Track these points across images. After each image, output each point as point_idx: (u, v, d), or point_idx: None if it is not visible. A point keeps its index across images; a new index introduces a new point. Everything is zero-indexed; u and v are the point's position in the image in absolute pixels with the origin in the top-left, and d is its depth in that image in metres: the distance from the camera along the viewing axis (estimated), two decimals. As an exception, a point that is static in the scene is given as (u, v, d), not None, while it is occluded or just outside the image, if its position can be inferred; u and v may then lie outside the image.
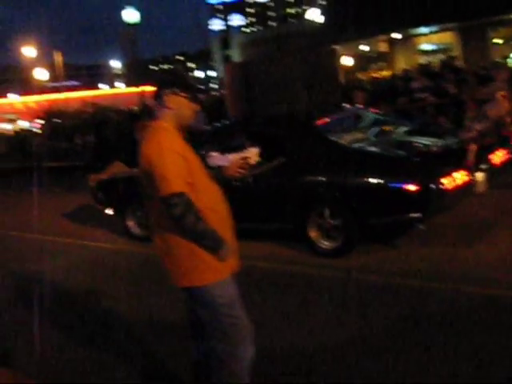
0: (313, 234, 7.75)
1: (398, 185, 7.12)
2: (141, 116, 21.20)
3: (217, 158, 8.18)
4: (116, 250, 9.58)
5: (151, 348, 5.47)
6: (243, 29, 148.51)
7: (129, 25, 26.45)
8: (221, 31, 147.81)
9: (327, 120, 8.48)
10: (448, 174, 7.07)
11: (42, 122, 42.98)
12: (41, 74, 45.70)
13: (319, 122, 8.37)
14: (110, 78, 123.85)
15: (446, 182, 6.98)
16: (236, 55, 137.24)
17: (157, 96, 3.79)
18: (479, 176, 7.61)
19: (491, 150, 8.04)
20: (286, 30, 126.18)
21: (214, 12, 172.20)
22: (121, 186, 10.00)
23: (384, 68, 38.17)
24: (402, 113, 15.60)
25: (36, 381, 4.99)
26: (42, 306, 6.69)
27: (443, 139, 8.18)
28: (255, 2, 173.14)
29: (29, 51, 47.69)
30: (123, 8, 26.71)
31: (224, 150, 8.44)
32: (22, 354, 5.56)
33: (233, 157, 3.96)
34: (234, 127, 9.39)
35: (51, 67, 56.85)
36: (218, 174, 3.96)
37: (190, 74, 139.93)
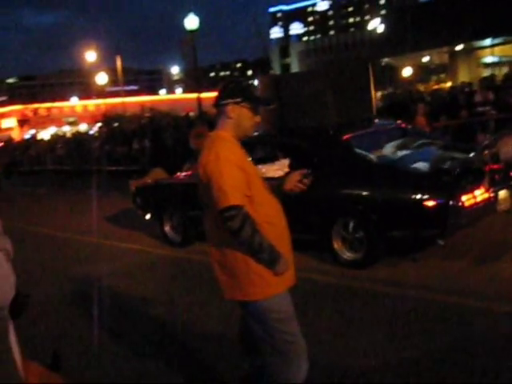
0: (337, 245, 7.81)
1: (417, 200, 7.15)
2: (197, 122, 21.30)
3: None
4: (163, 256, 9.64)
5: (202, 360, 5.36)
6: (302, 37, 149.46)
7: (189, 31, 26.60)
8: (280, 39, 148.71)
9: (355, 134, 8.48)
10: (468, 191, 7.10)
11: (100, 125, 43.71)
12: (101, 78, 46.42)
13: (347, 136, 8.35)
14: (168, 84, 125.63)
15: (465, 199, 7.01)
16: (294, 63, 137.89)
17: (218, 105, 3.70)
18: (502, 193, 7.63)
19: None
20: (344, 39, 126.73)
21: (274, 20, 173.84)
22: (159, 192, 10.42)
23: (445, 80, 37.63)
24: (463, 126, 15.31)
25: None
26: (97, 312, 6.71)
27: (467, 156, 8.11)
28: (315, 11, 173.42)
29: (90, 55, 48.54)
30: (183, 14, 26.99)
31: (256, 161, 8.12)
32: (75, 360, 5.50)
33: (294, 173, 3.79)
34: (266, 139, 9.40)
35: (111, 71, 57.85)
36: (276, 188, 3.83)
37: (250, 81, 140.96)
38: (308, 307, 6.04)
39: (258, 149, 9.36)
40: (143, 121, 32.63)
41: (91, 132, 45.39)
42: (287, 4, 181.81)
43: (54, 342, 6.02)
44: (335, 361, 4.98)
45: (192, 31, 26.46)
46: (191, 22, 26.08)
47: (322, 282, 7.29)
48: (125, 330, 6.32)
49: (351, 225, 7.71)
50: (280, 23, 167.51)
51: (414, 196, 7.19)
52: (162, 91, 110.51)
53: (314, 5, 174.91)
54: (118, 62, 45.63)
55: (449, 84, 32.47)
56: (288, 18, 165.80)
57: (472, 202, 7.07)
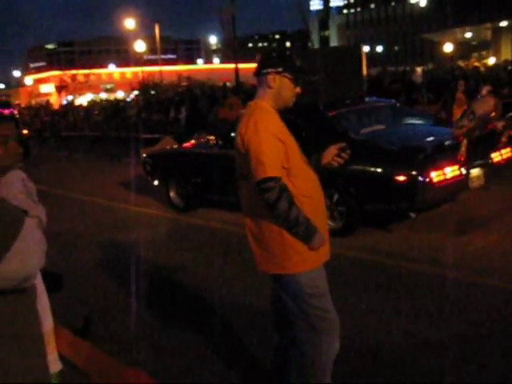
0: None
1: (389, 175, 7.64)
2: (229, 94, 21.25)
3: None
4: (193, 224, 9.65)
5: (233, 331, 5.35)
6: (342, 10, 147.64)
7: (229, 1, 26.44)
8: (320, 11, 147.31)
9: (342, 111, 9.00)
10: (438, 167, 7.51)
11: (137, 93, 43.85)
12: (139, 46, 46.48)
13: (333, 113, 8.84)
14: (206, 54, 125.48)
15: (435, 175, 7.42)
16: (333, 36, 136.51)
17: (259, 73, 3.62)
18: (474, 171, 8.05)
19: (495, 148, 8.49)
20: (385, 12, 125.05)
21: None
22: (165, 160, 11.03)
23: (486, 57, 36.97)
24: (505, 104, 15.02)
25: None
26: (131, 280, 6.80)
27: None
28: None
29: (129, 23, 48.53)
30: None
31: None
32: (107, 327, 5.55)
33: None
34: None
35: (149, 39, 57.79)
36: (314, 161, 3.75)
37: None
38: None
39: None
40: (180, 89, 32.68)
41: (128, 99, 45.68)
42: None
43: (87, 307, 6.06)
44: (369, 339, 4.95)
45: (232, 0, 26.27)
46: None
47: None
48: (158, 299, 6.34)
49: (335, 197, 8.18)
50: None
51: (386, 171, 7.70)
52: (200, 61, 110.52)
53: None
54: (157, 30, 45.56)
55: (490, 61, 31.90)
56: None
57: (442, 178, 7.49)
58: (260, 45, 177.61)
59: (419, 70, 25.40)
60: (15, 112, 33.95)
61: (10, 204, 1.58)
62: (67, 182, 15.39)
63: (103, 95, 75.07)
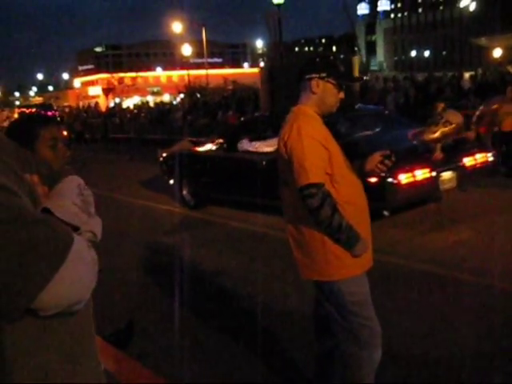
0: None
1: (363, 177, 7.76)
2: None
3: (245, 144, 10.23)
4: (239, 228, 9.72)
5: (275, 336, 5.34)
6: (390, 15, 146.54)
7: (275, 5, 26.45)
8: (366, 16, 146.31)
9: (333, 118, 9.34)
10: (408, 170, 8.19)
11: (183, 96, 44.07)
12: (186, 50, 46.82)
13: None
14: (252, 57, 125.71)
15: (404, 177, 8.14)
16: (380, 41, 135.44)
17: (302, 79, 3.60)
18: (445, 174, 8.73)
19: (467, 152, 9.24)
20: (433, 17, 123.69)
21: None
22: (180, 161, 11.66)
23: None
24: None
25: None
26: (173, 283, 6.86)
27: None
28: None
29: (176, 27, 48.92)
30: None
31: (253, 138, 10.27)
32: (149, 329, 5.58)
33: (375, 154, 3.67)
34: (261, 120, 11.19)
35: (196, 43, 58.17)
36: (358, 168, 3.72)
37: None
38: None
39: (255, 127, 10.88)
40: (225, 93, 32.79)
41: (174, 102, 45.98)
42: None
43: (129, 310, 6.11)
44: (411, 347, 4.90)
45: (278, 5, 26.27)
46: (278, -6, 25.89)
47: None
48: (201, 302, 6.35)
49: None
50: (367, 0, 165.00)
51: (360, 173, 7.76)
52: (246, 65, 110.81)
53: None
54: (203, 34, 45.85)
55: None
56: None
57: (411, 180, 8.21)
58: (306, 49, 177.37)
59: (467, 75, 25.09)
60: (57, 114, 34.66)
61: (58, 221, 1.47)
62: (105, 182, 15.58)
63: (150, 98, 75.85)
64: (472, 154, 9.25)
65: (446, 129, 8.34)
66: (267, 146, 9.71)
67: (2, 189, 1.35)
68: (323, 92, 3.51)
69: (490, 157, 9.59)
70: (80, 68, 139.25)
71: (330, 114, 3.62)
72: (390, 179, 8.04)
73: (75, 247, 1.41)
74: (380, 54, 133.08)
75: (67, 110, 55.56)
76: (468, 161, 9.15)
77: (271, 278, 6.90)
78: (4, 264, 1.29)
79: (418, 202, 9.18)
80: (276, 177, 8.62)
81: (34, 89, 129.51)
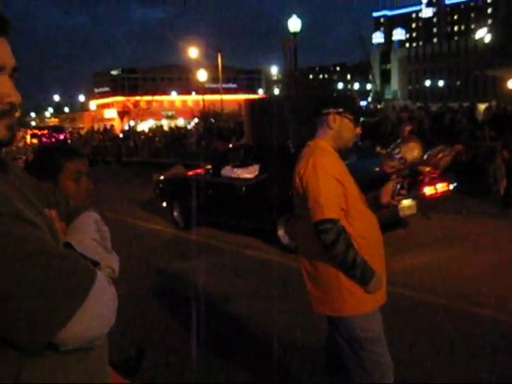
0: (280, 233, 9.90)
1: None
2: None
3: (228, 170, 11.08)
4: (253, 256, 9.73)
5: (285, 369, 5.30)
6: (405, 44, 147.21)
7: (292, 33, 26.63)
8: (381, 45, 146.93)
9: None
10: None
11: (198, 121, 44.24)
12: (201, 75, 47.08)
13: (293, 151, 9.95)
14: (266, 84, 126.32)
15: None
16: (394, 69, 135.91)
17: (319, 113, 3.61)
18: (404, 202, 9.13)
19: (426, 181, 9.21)
20: (448, 47, 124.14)
21: (377, 25, 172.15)
22: (171, 185, 12.71)
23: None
24: None
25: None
26: (184, 310, 6.92)
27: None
28: (419, 18, 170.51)
29: (192, 52, 49.27)
30: (285, 16, 27.05)
31: (235, 165, 11.22)
32: (159, 359, 5.56)
33: (389, 184, 3.67)
34: (243, 148, 12.35)
35: (211, 69, 58.51)
36: (372, 201, 3.72)
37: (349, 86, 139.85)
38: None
39: (238, 155, 11.87)
40: (240, 119, 32.89)
41: (189, 127, 46.18)
42: (391, 9, 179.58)
43: (139, 337, 6.10)
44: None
45: (294, 33, 26.46)
46: (294, 24, 26.06)
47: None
48: (211, 332, 6.33)
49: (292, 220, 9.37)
50: (382, 28, 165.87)
51: None
52: (260, 91, 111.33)
53: (418, 11, 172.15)
54: (219, 60, 46.13)
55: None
56: (391, 24, 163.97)
57: None
58: (321, 76, 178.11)
59: (482, 106, 25.06)
60: (67, 136, 35.00)
61: (80, 256, 1.48)
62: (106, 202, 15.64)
63: (164, 122, 76.25)
64: (433, 184, 9.51)
65: (401, 166, 8.50)
66: (247, 173, 10.69)
67: (28, 223, 1.37)
68: (340, 127, 3.52)
69: (450, 186, 10.16)
70: (96, 90, 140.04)
71: (346, 148, 3.63)
72: None
73: (97, 283, 1.43)
74: (394, 83, 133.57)
75: (82, 132, 55.85)
76: (428, 190, 9.49)
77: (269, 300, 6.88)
78: (29, 297, 1.30)
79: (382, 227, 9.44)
80: (254, 201, 9.62)
81: (50, 110, 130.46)
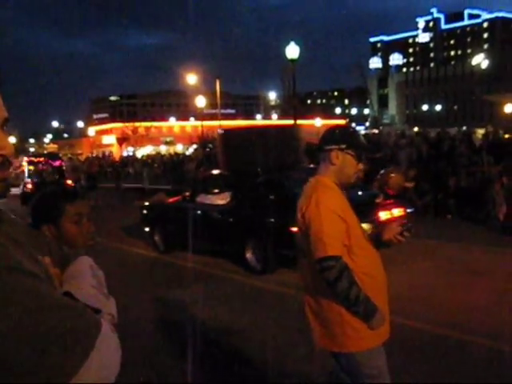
0: (248, 255, 10.56)
1: (289, 226, 9.11)
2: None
3: (202, 197, 11.96)
4: (246, 283, 9.75)
5: None
6: (402, 69, 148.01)
7: (289, 60, 26.75)
8: (379, 70, 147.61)
9: (270, 178, 11.22)
10: None
11: (196, 147, 44.33)
12: (199, 101, 47.21)
13: (260, 180, 11.22)
14: (265, 109, 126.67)
15: None
16: (392, 94, 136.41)
17: (322, 149, 3.62)
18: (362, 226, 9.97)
19: (384, 206, 10.14)
20: (444, 72, 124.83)
21: (374, 50, 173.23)
22: (152, 211, 13.55)
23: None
24: None
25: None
26: (182, 341, 6.83)
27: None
28: (416, 43, 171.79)
29: (191, 78, 49.43)
30: (282, 42, 27.17)
31: (209, 193, 12.00)
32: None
33: (393, 225, 3.66)
34: (217, 176, 12.92)
35: (209, 94, 58.71)
36: (374, 237, 3.72)
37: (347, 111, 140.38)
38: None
39: (211, 183, 12.59)
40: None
41: (187, 153, 46.24)
42: (388, 34, 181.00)
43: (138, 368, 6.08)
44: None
45: (292, 60, 26.58)
46: (292, 50, 26.18)
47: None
48: (209, 361, 6.30)
49: (260, 243, 10.40)
50: (380, 53, 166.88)
51: (286, 223, 9.26)
52: (258, 116, 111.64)
53: (415, 36, 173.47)
54: (217, 86, 46.34)
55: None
56: (388, 49, 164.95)
57: None
58: (319, 101, 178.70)
59: (479, 131, 25.15)
60: (63, 164, 35.40)
61: (83, 306, 1.47)
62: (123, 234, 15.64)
63: (163, 147, 76.36)
64: (388, 209, 10.09)
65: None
66: (220, 199, 11.55)
67: (30, 275, 1.36)
68: (342, 163, 3.52)
69: (406, 211, 10.60)
70: (94, 116, 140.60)
71: (348, 184, 3.64)
72: None
73: (102, 333, 1.42)
74: (392, 108, 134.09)
75: (82, 158, 55.88)
76: (384, 215, 9.89)
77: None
78: (36, 351, 1.28)
79: None
80: (225, 225, 11.06)
81: (49, 136, 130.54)
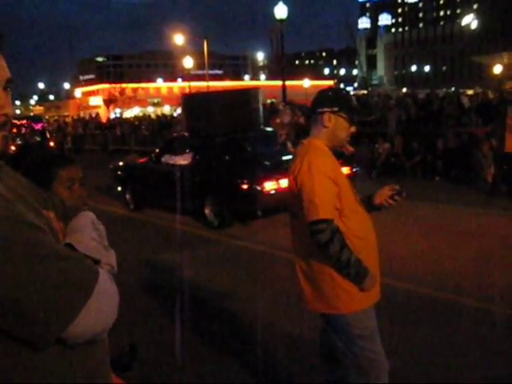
0: (207, 211, 11.40)
1: (240, 184, 10.64)
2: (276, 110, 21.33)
3: (167, 158, 12.68)
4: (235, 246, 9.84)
5: (278, 362, 5.33)
6: (391, 29, 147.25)
7: (278, 20, 26.51)
8: (367, 30, 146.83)
9: (230, 138, 12.12)
10: (273, 178, 10.43)
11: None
12: (187, 62, 46.82)
13: (216, 141, 12.09)
14: (253, 70, 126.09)
15: (268, 185, 10.42)
16: (380, 55, 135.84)
17: (314, 112, 3.59)
18: None
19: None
20: (434, 32, 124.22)
21: (362, 10, 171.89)
22: (124, 171, 14.33)
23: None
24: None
25: None
26: (174, 304, 6.87)
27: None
28: (405, 3, 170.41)
29: (178, 38, 48.96)
30: (271, 2, 26.92)
31: (173, 154, 12.61)
32: (150, 354, 5.56)
33: (385, 189, 3.65)
34: (180, 138, 13.70)
35: (197, 55, 58.24)
36: (366, 201, 3.71)
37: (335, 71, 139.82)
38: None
39: (175, 145, 13.16)
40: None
41: (175, 114, 45.98)
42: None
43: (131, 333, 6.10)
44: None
45: (281, 20, 26.35)
46: (280, 10, 25.95)
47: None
48: (201, 325, 6.34)
49: (216, 200, 11.25)
50: (368, 14, 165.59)
51: (238, 182, 10.68)
52: (246, 77, 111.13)
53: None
54: (205, 46, 45.93)
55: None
56: (377, 9, 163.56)
57: (275, 187, 10.40)
58: (307, 62, 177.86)
59: (468, 92, 25.13)
60: (46, 126, 35.47)
61: (83, 256, 1.55)
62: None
63: (150, 109, 75.89)
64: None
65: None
66: (182, 160, 12.21)
67: (33, 227, 1.44)
68: (335, 126, 3.50)
69: (353, 170, 11.54)
70: (81, 78, 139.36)
71: (340, 147, 3.63)
72: (258, 187, 10.38)
73: (100, 280, 1.51)
74: (381, 69, 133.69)
75: (68, 119, 55.48)
76: None
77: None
78: (39, 297, 1.38)
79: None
80: (186, 184, 11.67)
81: (35, 98, 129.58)
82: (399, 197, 3.59)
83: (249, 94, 13.85)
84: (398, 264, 7.59)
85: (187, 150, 12.36)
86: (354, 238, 3.34)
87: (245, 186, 10.52)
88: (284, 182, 9.62)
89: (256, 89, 14.85)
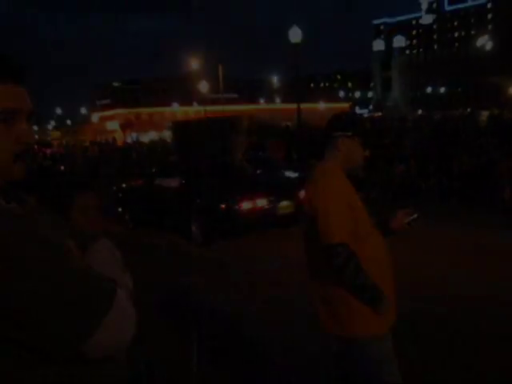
0: (194, 229, 12.02)
1: (220, 204, 11.56)
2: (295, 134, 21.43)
3: (160, 181, 13.65)
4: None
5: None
6: (405, 51, 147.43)
7: (293, 44, 26.66)
8: (382, 52, 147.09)
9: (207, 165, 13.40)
10: (249, 199, 11.45)
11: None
12: (202, 86, 47.11)
13: (204, 164, 13.45)
14: (268, 93, 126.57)
15: (244, 205, 11.38)
16: (395, 76, 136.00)
17: (328, 136, 3.61)
18: (283, 203, 11.84)
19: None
20: (448, 53, 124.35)
21: (377, 32, 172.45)
22: (124, 193, 15.25)
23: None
24: None
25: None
26: (188, 324, 6.80)
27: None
28: (419, 24, 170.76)
29: (193, 63, 49.35)
30: (286, 26, 27.08)
31: (165, 177, 13.57)
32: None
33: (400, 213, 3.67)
34: (172, 163, 15.16)
35: (212, 79, 58.58)
36: (383, 224, 3.71)
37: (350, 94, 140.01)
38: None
39: (166, 168, 14.40)
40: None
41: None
42: (391, 17, 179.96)
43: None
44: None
45: (295, 44, 26.50)
46: (295, 34, 26.11)
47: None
48: (218, 347, 6.32)
49: (201, 219, 11.90)
50: (383, 36, 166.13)
51: (219, 201, 11.62)
52: (261, 100, 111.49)
53: (418, 18, 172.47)
54: (220, 71, 46.26)
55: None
56: (391, 31, 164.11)
57: (250, 207, 11.38)
58: (322, 85, 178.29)
59: (484, 113, 25.06)
60: (55, 151, 36.61)
61: (100, 274, 1.61)
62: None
63: (166, 133, 76.14)
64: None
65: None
66: (172, 182, 13.14)
67: (55, 246, 1.53)
68: (349, 150, 3.51)
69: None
70: (98, 103, 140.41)
71: (354, 171, 3.62)
72: (235, 206, 11.30)
73: (118, 297, 1.58)
74: (395, 90, 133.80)
75: (86, 144, 55.81)
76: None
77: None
78: (62, 312, 1.45)
79: (262, 224, 11.81)
80: (175, 204, 13.12)
81: (53, 123, 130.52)
82: (415, 222, 3.59)
83: (224, 121, 15.19)
84: (416, 286, 7.57)
85: (176, 174, 13.37)
86: (369, 261, 3.32)
87: (223, 206, 11.51)
88: (260, 202, 11.54)
89: (239, 116, 15.95)
